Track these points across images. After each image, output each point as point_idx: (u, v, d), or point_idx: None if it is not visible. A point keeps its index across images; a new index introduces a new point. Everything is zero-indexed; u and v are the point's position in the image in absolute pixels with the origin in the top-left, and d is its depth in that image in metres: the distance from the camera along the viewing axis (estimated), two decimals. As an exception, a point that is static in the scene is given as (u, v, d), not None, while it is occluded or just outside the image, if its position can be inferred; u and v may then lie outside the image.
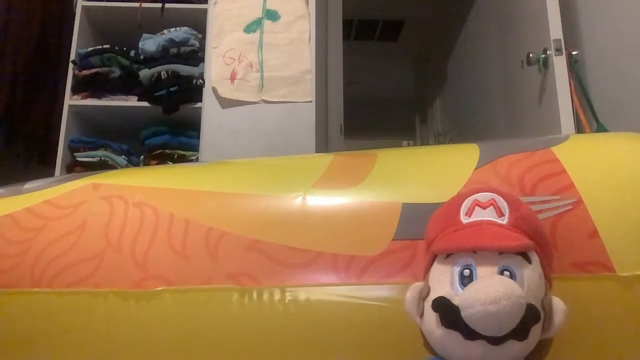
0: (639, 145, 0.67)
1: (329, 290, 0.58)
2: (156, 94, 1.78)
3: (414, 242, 0.58)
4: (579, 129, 1.60)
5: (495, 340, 0.40)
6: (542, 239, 0.50)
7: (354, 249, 0.60)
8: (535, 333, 0.42)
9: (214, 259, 0.63)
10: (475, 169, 0.65)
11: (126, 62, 1.85)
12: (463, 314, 0.39)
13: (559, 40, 1.64)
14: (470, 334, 0.39)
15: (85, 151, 1.77)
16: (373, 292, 0.58)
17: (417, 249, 0.58)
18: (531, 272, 0.44)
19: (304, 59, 1.82)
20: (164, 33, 1.86)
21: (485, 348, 0.39)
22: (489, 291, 0.36)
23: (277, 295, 0.59)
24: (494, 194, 0.52)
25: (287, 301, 0.59)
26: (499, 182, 0.63)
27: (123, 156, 1.81)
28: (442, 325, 0.42)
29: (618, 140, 0.71)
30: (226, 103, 1.77)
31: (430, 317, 0.45)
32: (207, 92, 1.79)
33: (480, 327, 0.38)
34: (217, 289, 0.61)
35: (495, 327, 0.37)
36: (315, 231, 0.63)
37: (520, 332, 0.40)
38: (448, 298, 0.42)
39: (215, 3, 1.89)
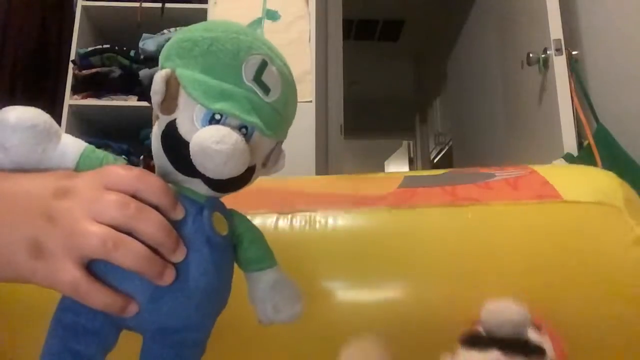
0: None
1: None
2: (156, 94, 1.78)
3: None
4: (579, 129, 1.60)
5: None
6: None
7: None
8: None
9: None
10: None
11: (126, 62, 1.85)
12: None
13: (559, 40, 1.64)
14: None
15: (85, 151, 1.76)
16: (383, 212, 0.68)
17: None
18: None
19: (304, 59, 1.82)
20: (164, 33, 1.86)
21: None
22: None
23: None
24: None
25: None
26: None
27: (123, 156, 1.81)
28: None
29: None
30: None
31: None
32: (207, 92, 1.79)
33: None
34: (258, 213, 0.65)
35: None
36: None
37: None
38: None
39: (215, 3, 1.89)
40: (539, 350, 0.50)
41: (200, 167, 0.35)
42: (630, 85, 1.53)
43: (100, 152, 0.38)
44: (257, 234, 0.42)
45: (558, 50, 1.63)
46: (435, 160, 4.02)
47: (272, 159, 0.41)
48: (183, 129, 0.36)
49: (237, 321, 0.63)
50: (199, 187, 0.37)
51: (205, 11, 1.89)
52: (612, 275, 0.59)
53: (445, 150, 3.63)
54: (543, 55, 1.68)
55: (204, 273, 0.36)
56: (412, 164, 5.17)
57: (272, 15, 1.87)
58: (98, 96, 1.83)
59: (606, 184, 0.66)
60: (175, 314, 0.35)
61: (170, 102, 0.36)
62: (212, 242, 0.37)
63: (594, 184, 0.67)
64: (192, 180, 0.37)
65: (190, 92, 0.36)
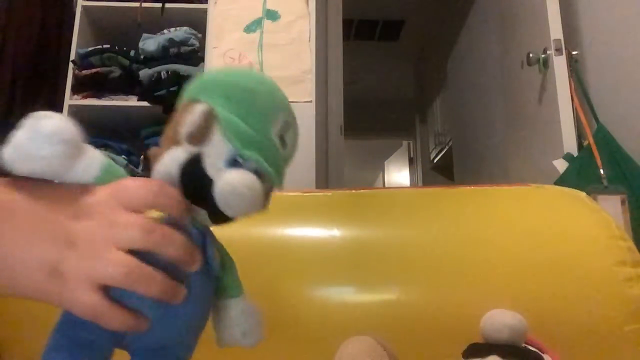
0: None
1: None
2: (156, 93, 1.78)
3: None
4: (579, 129, 1.60)
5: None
6: None
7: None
8: None
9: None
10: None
11: (126, 62, 1.85)
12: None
13: (559, 40, 1.64)
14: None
15: (85, 151, 1.76)
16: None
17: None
18: None
19: (304, 59, 1.82)
20: (164, 33, 1.86)
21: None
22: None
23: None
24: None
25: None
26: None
27: (123, 156, 1.81)
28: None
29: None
30: (226, 103, 1.77)
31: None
32: (207, 92, 1.79)
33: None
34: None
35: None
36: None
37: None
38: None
39: (215, 3, 1.89)
40: (538, 357, 0.51)
41: (223, 205, 0.36)
42: (630, 85, 1.53)
43: (118, 167, 0.39)
44: (231, 262, 0.44)
45: (558, 50, 1.63)
46: (435, 160, 4.02)
47: (267, 202, 0.44)
48: (208, 164, 0.37)
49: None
50: (201, 217, 0.39)
51: (205, 11, 1.89)
52: (581, 238, 0.66)
53: (445, 150, 3.62)
54: (543, 55, 1.68)
55: (200, 297, 0.38)
56: (412, 164, 5.17)
57: (272, 15, 1.87)
58: (98, 96, 1.83)
59: (572, 190, 0.76)
60: (173, 333, 0.37)
61: (201, 135, 0.38)
62: (210, 268, 0.39)
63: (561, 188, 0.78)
64: (197, 210, 0.38)
65: (227, 133, 0.38)
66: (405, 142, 5.46)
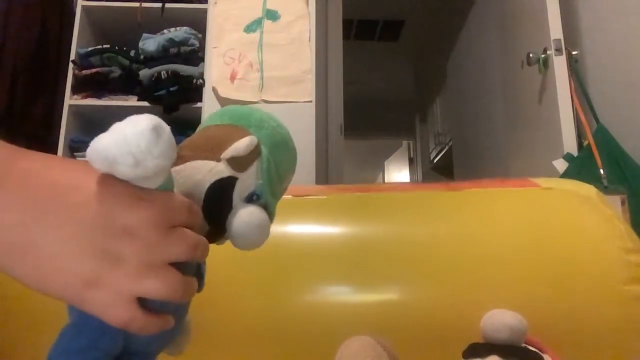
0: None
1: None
2: (156, 93, 1.78)
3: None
4: (579, 129, 1.60)
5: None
6: None
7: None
8: None
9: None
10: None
11: (126, 62, 1.85)
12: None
13: (559, 40, 1.64)
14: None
15: (85, 151, 1.76)
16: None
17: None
18: None
19: (304, 59, 1.82)
20: (164, 33, 1.86)
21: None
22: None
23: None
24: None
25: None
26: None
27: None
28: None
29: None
30: (226, 103, 1.78)
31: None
32: (207, 92, 1.79)
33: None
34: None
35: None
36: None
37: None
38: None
39: (215, 3, 1.89)
40: (537, 357, 0.51)
41: (232, 236, 0.38)
42: (630, 85, 1.53)
43: (172, 177, 0.36)
44: None
45: (558, 50, 1.63)
46: (435, 160, 4.02)
47: None
48: (236, 192, 0.39)
49: (237, 321, 0.64)
50: (202, 232, 0.38)
51: (205, 11, 1.89)
52: (591, 246, 0.64)
53: (445, 150, 3.62)
54: (543, 55, 1.68)
55: (181, 318, 0.39)
56: (412, 164, 5.17)
57: (272, 15, 1.87)
58: (98, 96, 1.83)
59: (580, 184, 0.73)
60: (163, 342, 0.38)
61: (245, 162, 0.39)
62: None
63: (569, 183, 0.74)
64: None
65: (263, 172, 0.40)
66: (405, 142, 5.46)
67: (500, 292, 0.62)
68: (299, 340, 0.64)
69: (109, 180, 0.32)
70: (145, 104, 1.80)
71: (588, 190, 0.71)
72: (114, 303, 0.31)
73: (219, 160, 0.39)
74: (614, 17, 1.64)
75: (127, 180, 0.32)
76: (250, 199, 0.39)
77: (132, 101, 1.83)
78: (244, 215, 0.38)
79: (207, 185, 0.38)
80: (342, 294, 0.65)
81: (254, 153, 0.39)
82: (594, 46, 1.72)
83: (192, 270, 0.36)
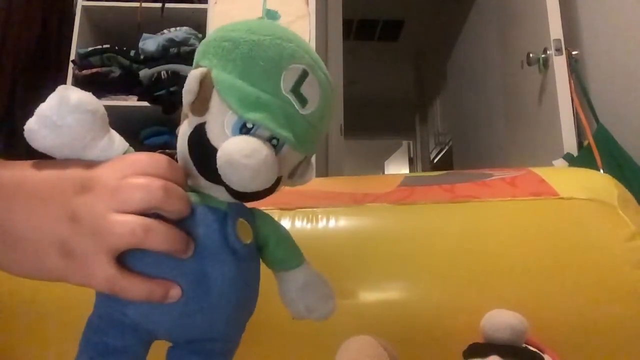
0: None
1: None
2: (156, 93, 1.78)
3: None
4: (579, 129, 1.60)
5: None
6: None
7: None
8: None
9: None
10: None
11: (126, 62, 1.85)
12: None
13: (559, 40, 1.64)
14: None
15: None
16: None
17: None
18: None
19: (304, 59, 1.82)
20: (164, 33, 1.86)
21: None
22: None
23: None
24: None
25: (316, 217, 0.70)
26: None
27: (123, 156, 1.80)
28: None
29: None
30: (226, 103, 1.77)
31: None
32: (207, 92, 1.79)
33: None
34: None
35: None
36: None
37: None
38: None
39: (215, 3, 1.89)
40: (538, 357, 0.51)
41: (225, 179, 0.34)
42: (630, 85, 1.53)
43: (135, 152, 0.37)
44: (283, 234, 0.42)
45: (558, 50, 1.63)
46: (435, 160, 4.02)
47: (299, 172, 0.40)
48: (212, 134, 0.35)
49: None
50: (221, 194, 0.36)
51: (205, 11, 1.89)
52: (608, 270, 0.60)
53: (445, 150, 3.63)
54: (543, 55, 1.68)
55: (231, 285, 0.35)
56: (412, 164, 5.17)
57: (272, 15, 1.85)
58: (98, 96, 1.78)
59: (601, 184, 0.67)
60: (204, 327, 0.35)
61: (202, 103, 0.35)
62: (238, 252, 0.36)
63: (588, 183, 0.67)
64: (215, 187, 0.36)
65: (225, 97, 0.34)
66: (405, 142, 5.46)
67: (501, 292, 0.62)
68: (299, 340, 0.64)
69: (58, 162, 0.34)
70: (145, 104, 1.80)
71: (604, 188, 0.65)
72: (89, 266, 0.31)
73: (187, 116, 0.37)
74: (614, 17, 1.64)
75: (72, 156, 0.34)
76: (243, 131, 0.34)
77: (132, 101, 1.83)
78: (221, 148, 0.33)
79: (186, 149, 0.36)
80: (342, 294, 0.65)
81: (205, 85, 0.35)
82: (594, 46, 1.72)
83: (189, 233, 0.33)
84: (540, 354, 0.51)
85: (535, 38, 1.77)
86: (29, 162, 0.34)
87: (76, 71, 1.82)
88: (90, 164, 0.34)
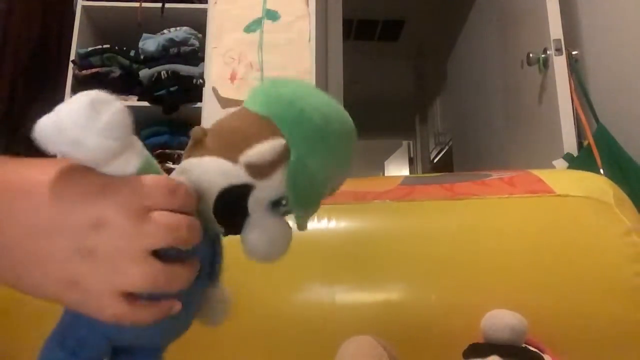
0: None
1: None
2: (156, 93, 1.78)
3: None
4: (579, 129, 1.60)
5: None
6: None
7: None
8: None
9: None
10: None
11: (126, 62, 1.85)
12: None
13: (559, 40, 1.64)
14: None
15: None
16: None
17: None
18: None
19: (304, 59, 1.82)
20: (164, 33, 1.86)
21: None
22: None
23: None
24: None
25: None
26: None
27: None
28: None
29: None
30: (226, 103, 1.78)
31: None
32: (207, 92, 1.79)
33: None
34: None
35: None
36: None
37: None
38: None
39: (215, 3, 1.89)
40: (538, 357, 0.51)
41: (251, 251, 0.35)
42: (630, 85, 1.53)
43: (154, 162, 0.35)
44: None
45: (558, 50, 1.63)
46: (435, 160, 4.02)
47: None
48: (254, 198, 0.34)
49: (237, 320, 0.63)
50: (216, 227, 0.36)
51: (205, 11, 1.89)
52: (605, 264, 0.61)
53: (445, 150, 3.62)
54: (543, 55, 1.68)
55: (195, 305, 0.37)
56: (412, 164, 5.17)
57: (272, 15, 1.87)
58: (98, 96, 1.82)
59: (596, 184, 0.68)
60: (170, 335, 0.36)
61: (264, 172, 0.33)
62: (207, 278, 0.37)
63: (584, 183, 0.69)
64: (213, 220, 0.35)
65: (290, 184, 0.34)
66: (405, 142, 5.46)
67: (499, 290, 0.62)
68: (299, 340, 0.64)
69: (68, 174, 0.30)
70: (145, 103, 1.80)
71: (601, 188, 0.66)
72: (98, 300, 0.30)
73: (236, 162, 0.33)
74: (614, 17, 1.64)
75: (89, 168, 0.30)
76: (274, 206, 0.34)
77: (132, 101, 1.82)
78: (257, 233, 0.33)
79: (218, 189, 0.33)
80: (342, 294, 0.65)
81: (279, 159, 0.33)
82: (594, 46, 1.72)
83: (193, 256, 0.33)
84: (540, 354, 0.51)
85: (535, 38, 1.77)
86: (21, 166, 0.32)
87: (76, 71, 1.82)
88: (95, 191, 0.30)
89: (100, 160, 0.30)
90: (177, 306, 0.32)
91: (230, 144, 0.34)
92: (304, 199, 0.35)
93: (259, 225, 0.33)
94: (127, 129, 0.31)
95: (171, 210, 0.31)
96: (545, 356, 0.52)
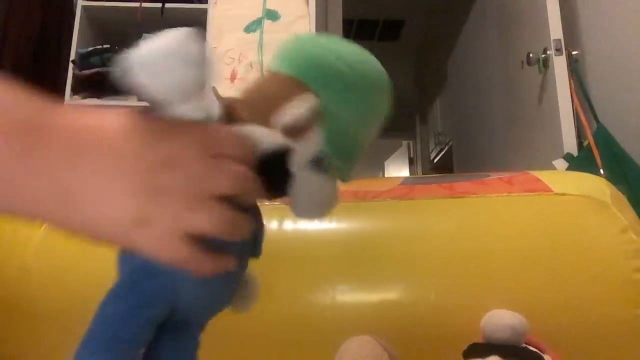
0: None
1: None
2: (156, 94, 1.78)
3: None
4: (579, 129, 1.60)
5: None
6: None
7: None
8: None
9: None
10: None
11: (126, 62, 1.85)
12: None
13: (559, 40, 1.64)
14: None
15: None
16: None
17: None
18: None
19: (304, 59, 1.82)
20: (164, 33, 1.85)
21: None
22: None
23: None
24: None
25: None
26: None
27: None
28: None
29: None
30: (226, 103, 1.78)
31: None
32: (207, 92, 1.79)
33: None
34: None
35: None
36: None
37: None
38: None
39: (215, 3, 1.89)
40: (538, 357, 0.51)
41: (301, 211, 0.35)
42: (630, 85, 1.53)
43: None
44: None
45: (558, 50, 1.63)
46: (435, 160, 4.02)
47: None
48: (295, 161, 0.34)
49: (236, 321, 0.63)
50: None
51: (205, 11, 1.89)
52: (602, 261, 0.61)
53: (445, 150, 3.62)
54: (543, 55, 1.68)
55: (239, 278, 0.38)
56: (412, 164, 5.17)
57: (272, 15, 1.87)
58: (98, 96, 1.83)
59: (593, 184, 0.69)
60: (217, 302, 0.37)
61: (300, 132, 0.34)
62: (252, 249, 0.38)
63: (582, 182, 0.70)
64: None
65: (329, 140, 0.34)
66: (405, 142, 5.45)
67: (500, 290, 0.62)
68: (299, 340, 0.64)
69: (139, 116, 0.31)
70: (145, 104, 1.79)
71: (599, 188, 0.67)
72: (164, 240, 0.30)
73: (272, 126, 0.34)
74: (614, 17, 1.64)
75: (163, 111, 0.31)
76: (316, 163, 0.35)
77: (132, 101, 1.83)
78: (303, 193, 0.34)
79: (259, 156, 0.34)
80: (342, 294, 0.65)
81: (313, 116, 0.34)
82: (594, 46, 1.72)
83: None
84: (540, 354, 0.51)
85: (535, 38, 1.77)
86: (91, 111, 0.32)
87: (76, 71, 1.82)
88: (168, 131, 0.31)
89: (179, 96, 0.30)
90: (232, 263, 0.32)
91: (264, 109, 0.35)
92: (343, 150, 0.36)
93: (304, 184, 0.34)
94: (211, 65, 0.31)
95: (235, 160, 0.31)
96: (545, 356, 0.52)
